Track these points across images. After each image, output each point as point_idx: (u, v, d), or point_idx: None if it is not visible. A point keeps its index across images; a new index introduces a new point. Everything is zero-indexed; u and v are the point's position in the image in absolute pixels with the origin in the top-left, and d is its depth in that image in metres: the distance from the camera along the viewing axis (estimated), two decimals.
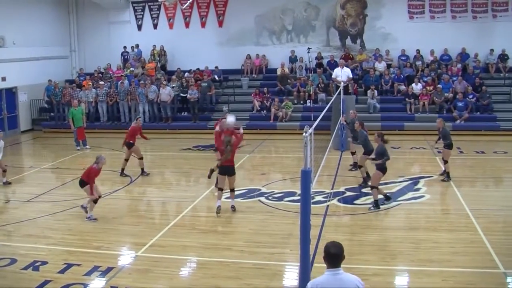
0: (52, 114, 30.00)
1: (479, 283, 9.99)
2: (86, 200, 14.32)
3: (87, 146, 23.94)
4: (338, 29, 31.17)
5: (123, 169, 18.85)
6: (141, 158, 18.97)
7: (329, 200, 15.21)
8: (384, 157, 14.34)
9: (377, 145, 14.67)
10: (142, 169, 18.94)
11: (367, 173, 16.69)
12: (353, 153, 18.19)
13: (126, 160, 18.87)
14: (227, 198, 14.98)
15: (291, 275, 10.57)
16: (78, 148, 23.76)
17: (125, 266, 11.22)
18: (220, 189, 14.50)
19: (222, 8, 31.90)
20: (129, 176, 18.67)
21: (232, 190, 14.78)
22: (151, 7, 32.70)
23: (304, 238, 9.08)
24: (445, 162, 17.37)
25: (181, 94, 28.83)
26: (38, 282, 10.29)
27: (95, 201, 14.12)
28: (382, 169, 14.45)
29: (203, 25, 32.24)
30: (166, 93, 28.00)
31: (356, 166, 17.83)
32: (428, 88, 27.37)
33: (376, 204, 14.48)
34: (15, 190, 17.66)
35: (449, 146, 17.30)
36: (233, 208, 14.54)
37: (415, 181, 17.26)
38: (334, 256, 6.07)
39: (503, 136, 24.61)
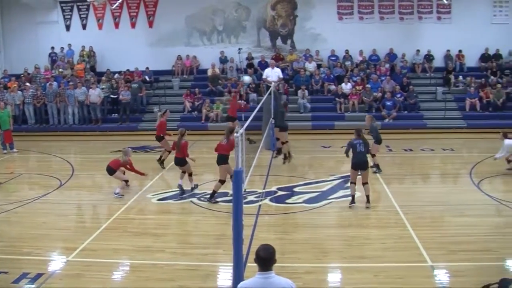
0: None
1: (409, 276, 10.21)
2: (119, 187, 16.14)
3: (14, 150, 23.26)
4: (268, 29, 31.31)
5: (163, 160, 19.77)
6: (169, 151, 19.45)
7: (261, 200, 15.22)
8: None
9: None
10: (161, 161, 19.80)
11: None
12: (373, 156, 18.24)
13: (169, 151, 19.38)
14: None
15: (225, 275, 10.53)
16: (5, 151, 23.05)
17: (55, 271, 10.91)
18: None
19: (152, 9, 31.56)
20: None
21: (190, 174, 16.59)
22: (80, 7, 32.02)
23: (237, 238, 9.06)
24: (373, 156, 17.69)
25: (111, 96, 28.39)
26: None
27: (127, 182, 16.58)
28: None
29: (133, 25, 31.83)
30: (96, 94, 27.54)
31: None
32: (357, 87, 27.85)
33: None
34: None
35: (377, 141, 17.71)
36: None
37: (346, 179, 17.41)
38: (264, 259, 6.07)
39: (429, 134, 25.24)
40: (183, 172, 16.50)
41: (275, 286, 6.05)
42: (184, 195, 16.03)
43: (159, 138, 19.68)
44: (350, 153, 14.73)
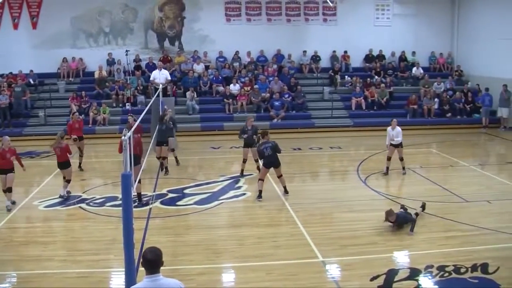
0: None
1: (301, 273, 10.39)
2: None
3: None
4: (156, 31, 30.97)
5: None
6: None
7: (152, 203, 15.02)
8: None
9: None
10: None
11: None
12: (389, 159, 18.16)
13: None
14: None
15: (117, 281, 10.33)
16: None
17: None
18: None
19: (36, 9, 30.44)
20: None
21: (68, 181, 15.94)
22: None
23: (128, 243, 8.89)
24: (256, 160, 17.86)
25: None
26: None
27: None
28: None
29: (15, 26, 30.53)
30: None
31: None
32: (245, 88, 28.02)
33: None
34: None
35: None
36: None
37: (236, 179, 17.55)
38: (151, 262, 6.01)
39: (317, 133, 25.76)
40: (65, 177, 15.95)
41: (165, 286, 5.99)
42: (71, 201, 15.56)
43: (81, 138, 19.50)
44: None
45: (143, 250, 10.70)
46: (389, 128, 18.03)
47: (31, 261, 11.30)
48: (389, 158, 17.95)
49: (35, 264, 11.13)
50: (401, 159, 18.04)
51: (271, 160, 15.34)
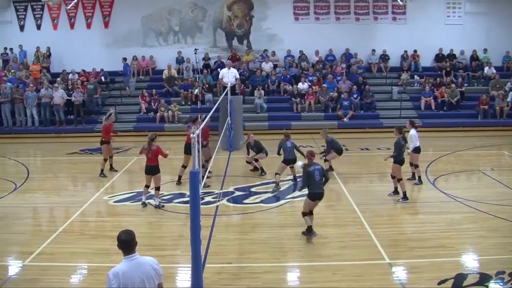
0: None
1: (367, 274, 10.29)
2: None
3: None
4: (225, 30, 31.24)
5: (102, 170, 18.63)
6: (105, 160, 18.65)
7: (218, 201, 15.15)
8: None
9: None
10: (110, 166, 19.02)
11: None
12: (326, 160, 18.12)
13: (105, 160, 18.57)
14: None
15: (183, 276, 10.41)
16: None
17: (11, 277, 10.68)
18: (147, 186, 14.92)
19: (108, 9, 31.20)
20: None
21: (157, 189, 14.98)
22: (34, 7, 31.44)
23: (194, 239, 8.98)
24: (326, 160, 17.80)
25: (66, 97, 27.86)
26: None
27: None
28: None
29: (88, 26, 31.41)
30: (59, 95, 26.97)
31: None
32: (313, 87, 27.91)
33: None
34: None
35: (338, 151, 17.98)
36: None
37: None
38: (125, 242, 6.45)
39: (385, 133, 25.26)
40: (147, 186, 14.96)
41: (142, 265, 6.42)
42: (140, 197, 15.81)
43: (102, 143, 18.79)
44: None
45: (209, 248, 10.96)
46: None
47: (100, 254, 11.55)
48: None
49: (104, 257, 11.36)
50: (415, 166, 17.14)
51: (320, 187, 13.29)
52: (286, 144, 16.60)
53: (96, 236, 12.82)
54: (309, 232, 12.27)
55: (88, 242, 12.47)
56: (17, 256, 11.83)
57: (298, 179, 16.83)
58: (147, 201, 14.95)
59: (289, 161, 16.55)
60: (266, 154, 18.25)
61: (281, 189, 16.37)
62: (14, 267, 11.22)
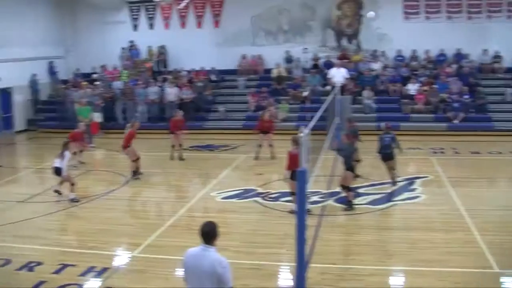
0: (49, 114, 30.21)
1: (474, 282, 10.03)
2: None
3: (92, 145, 24.01)
4: (334, 29, 31.18)
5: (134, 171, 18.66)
6: (134, 161, 18.66)
7: (325, 200, 15.21)
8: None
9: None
10: (134, 171, 18.62)
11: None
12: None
13: (133, 161, 18.71)
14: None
15: (287, 275, 10.55)
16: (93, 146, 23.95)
17: (120, 266, 11.21)
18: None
19: (218, 9, 31.87)
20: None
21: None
22: (147, 7, 32.68)
23: (300, 238, 9.06)
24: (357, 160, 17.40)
25: (178, 95, 28.64)
26: (33, 283, 10.26)
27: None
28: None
29: (199, 25, 32.23)
30: (173, 93, 27.83)
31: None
32: (423, 88, 27.41)
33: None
34: (10, 191, 17.58)
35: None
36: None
37: (411, 181, 17.27)
38: (205, 234, 6.69)
39: (497, 137, 24.62)
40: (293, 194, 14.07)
41: (206, 260, 6.56)
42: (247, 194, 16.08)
43: (124, 148, 18.70)
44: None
45: (314, 247, 11.03)
46: None
47: None
48: None
49: None
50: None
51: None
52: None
53: None
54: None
55: (194, 237, 12.60)
56: (126, 247, 12.42)
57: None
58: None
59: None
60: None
61: (389, 191, 16.25)
62: (123, 258, 11.79)
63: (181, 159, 20.90)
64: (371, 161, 18.24)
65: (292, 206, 14.14)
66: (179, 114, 21.90)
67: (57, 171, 15.87)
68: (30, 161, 23.18)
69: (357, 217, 14.12)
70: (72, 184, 15.86)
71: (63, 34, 33.47)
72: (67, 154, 16.12)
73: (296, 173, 14.40)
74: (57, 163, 15.86)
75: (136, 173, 18.53)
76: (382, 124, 18.86)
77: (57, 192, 16.09)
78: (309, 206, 14.20)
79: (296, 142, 14.52)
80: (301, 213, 9.04)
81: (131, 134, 18.75)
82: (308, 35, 31.32)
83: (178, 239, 12.60)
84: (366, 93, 27.33)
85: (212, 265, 6.50)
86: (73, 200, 15.65)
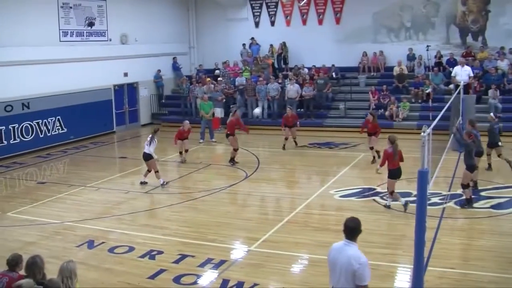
0: (172, 108, 31.42)
1: None
2: None
3: (214, 140, 24.90)
4: (458, 26, 30.17)
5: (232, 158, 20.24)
6: (235, 150, 20.03)
7: (445, 202, 14.81)
8: None
9: None
10: (232, 159, 20.18)
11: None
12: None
13: (235, 150, 20.06)
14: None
15: (403, 277, 10.42)
16: (201, 141, 24.69)
17: (238, 260, 11.44)
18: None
19: (339, 6, 31.69)
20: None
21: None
22: (269, 4, 33.02)
23: (419, 240, 8.86)
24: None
25: (301, 92, 28.68)
26: (153, 271, 10.73)
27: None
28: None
29: (320, 22, 32.18)
30: (294, 90, 27.98)
31: None
32: None
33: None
34: (134, 181, 18.32)
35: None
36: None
37: None
38: (349, 229, 6.75)
39: None
40: (392, 192, 14.59)
41: (345, 254, 6.64)
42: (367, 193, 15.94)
43: (228, 135, 20.30)
44: None
45: (432, 250, 10.79)
46: None
47: (322, 246, 11.59)
48: None
49: (325, 250, 11.28)
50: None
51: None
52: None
53: (319, 229, 13.20)
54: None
55: (311, 233, 12.87)
56: (244, 241, 12.66)
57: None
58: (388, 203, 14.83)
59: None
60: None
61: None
62: (240, 251, 12.06)
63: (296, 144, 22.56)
64: (496, 164, 17.58)
65: (387, 202, 14.66)
66: (290, 111, 22.75)
67: (146, 156, 17.02)
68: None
69: (479, 221, 13.62)
70: (156, 171, 17.04)
71: (186, 31, 34.55)
72: (155, 140, 17.23)
73: (391, 172, 14.47)
74: (146, 149, 17.04)
75: (232, 160, 20.13)
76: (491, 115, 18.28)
77: (143, 183, 17.40)
78: (390, 203, 14.51)
79: (391, 141, 14.40)
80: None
81: (232, 122, 20.17)
82: (431, 32, 30.46)
83: (295, 235, 12.72)
84: (492, 92, 26.27)
85: (349, 260, 6.55)
86: (163, 185, 16.91)
